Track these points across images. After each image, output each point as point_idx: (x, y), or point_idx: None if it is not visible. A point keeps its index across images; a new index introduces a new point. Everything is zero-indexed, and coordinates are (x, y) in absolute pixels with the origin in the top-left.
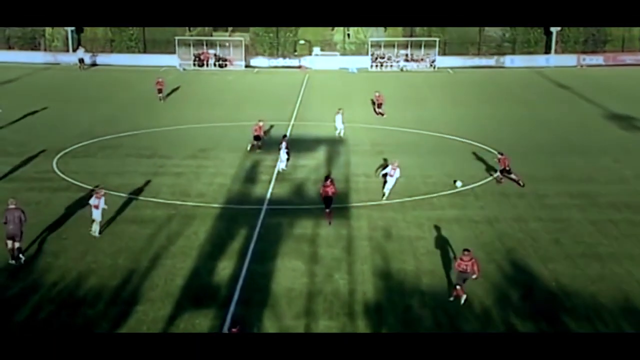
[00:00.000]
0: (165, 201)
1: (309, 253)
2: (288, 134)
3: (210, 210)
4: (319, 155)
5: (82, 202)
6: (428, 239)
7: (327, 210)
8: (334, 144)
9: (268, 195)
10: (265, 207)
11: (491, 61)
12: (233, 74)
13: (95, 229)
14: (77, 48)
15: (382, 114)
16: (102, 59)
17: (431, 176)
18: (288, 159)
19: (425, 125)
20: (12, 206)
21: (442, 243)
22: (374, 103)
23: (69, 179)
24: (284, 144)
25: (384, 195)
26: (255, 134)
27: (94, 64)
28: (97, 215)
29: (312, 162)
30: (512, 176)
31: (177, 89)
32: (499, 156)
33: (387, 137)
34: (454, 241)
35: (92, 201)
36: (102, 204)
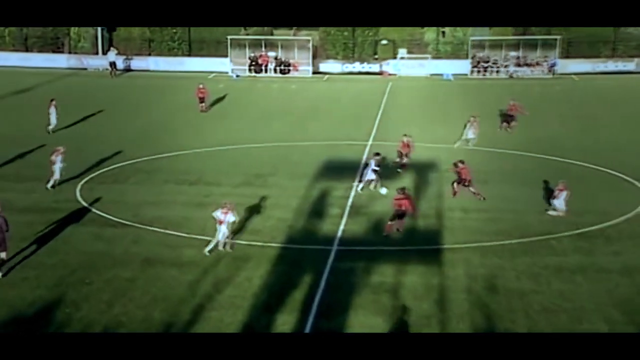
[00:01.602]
0: (212, 239)
1: (390, 307)
2: (380, 154)
3: (268, 251)
4: (403, 183)
5: (111, 238)
6: (545, 293)
7: (398, 219)
8: (423, 170)
9: (339, 233)
10: (335, 247)
11: (630, 65)
12: (297, 82)
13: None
14: (109, 50)
15: (509, 127)
16: (138, 62)
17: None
18: (377, 180)
19: (542, 147)
20: None
21: (563, 299)
22: (505, 115)
23: (95, 210)
24: (373, 162)
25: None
26: (402, 150)
27: (127, 69)
28: (222, 232)
29: (393, 192)
30: (472, 189)
31: (227, 99)
32: (460, 165)
33: (492, 162)
34: (579, 296)
35: (218, 215)
36: (229, 218)
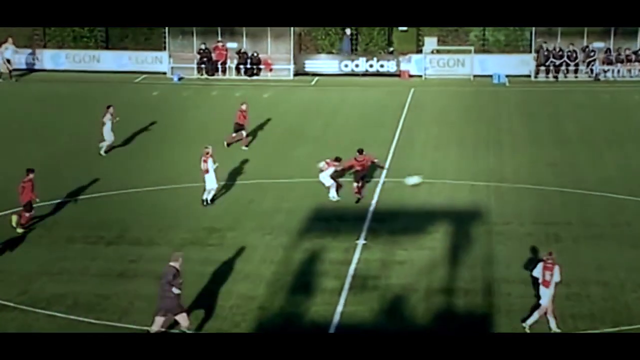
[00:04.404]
0: (143, 328)
1: None
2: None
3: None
4: (432, 242)
5: None
6: None
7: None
8: (459, 220)
9: (336, 317)
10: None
11: None
12: (271, 89)
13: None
14: (4, 42)
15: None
16: (43, 61)
17: None
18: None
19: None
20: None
21: None
22: None
23: None
24: (330, 168)
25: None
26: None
27: (31, 69)
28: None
29: (418, 254)
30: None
31: (165, 115)
32: (359, 156)
33: (566, 207)
34: None
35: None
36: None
